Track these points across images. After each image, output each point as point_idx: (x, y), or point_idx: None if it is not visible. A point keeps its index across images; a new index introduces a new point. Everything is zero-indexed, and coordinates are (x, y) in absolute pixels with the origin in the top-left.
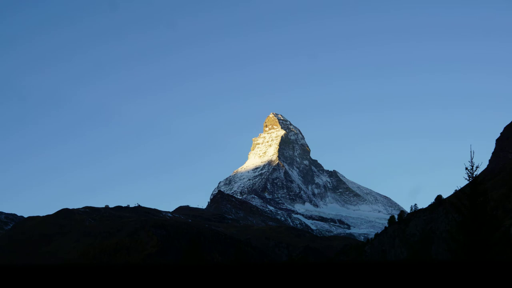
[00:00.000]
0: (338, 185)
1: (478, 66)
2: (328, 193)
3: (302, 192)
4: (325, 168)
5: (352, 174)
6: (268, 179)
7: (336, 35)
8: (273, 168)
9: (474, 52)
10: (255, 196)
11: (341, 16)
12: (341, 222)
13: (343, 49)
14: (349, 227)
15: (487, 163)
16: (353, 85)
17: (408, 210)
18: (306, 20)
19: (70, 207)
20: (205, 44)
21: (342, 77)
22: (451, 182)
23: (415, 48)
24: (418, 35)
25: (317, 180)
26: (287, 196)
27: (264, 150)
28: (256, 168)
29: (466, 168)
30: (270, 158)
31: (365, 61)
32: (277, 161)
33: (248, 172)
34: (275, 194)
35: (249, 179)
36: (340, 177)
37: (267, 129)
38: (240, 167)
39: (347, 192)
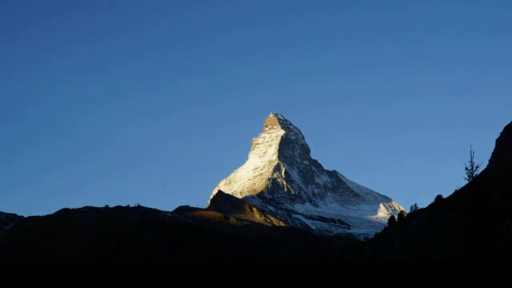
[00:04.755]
0: (338, 185)
1: (478, 66)
2: (328, 193)
3: (302, 192)
4: (325, 168)
5: (352, 174)
6: (268, 179)
7: (336, 35)
8: (273, 168)
9: (474, 53)
10: (255, 196)
11: (341, 17)
12: (341, 222)
13: (343, 49)
14: (349, 227)
15: (487, 163)
16: (353, 86)
17: (408, 210)
18: (306, 20)
19: (70, 207)
20: (206, 45)
21: (342, 77)
22: (451, 182)
23: (415, 47)
24: (417, 34)
25: (317, 180)
26: (287, 196)
27: (264, 150)
28: (256, 168)
29: (466, 168)
30: (270, 158)
31: (365, 61)
32: (277, 161)
33: (248, 172)
34: (275, 194)
35: (249, 179)
36: (340, 177)
37: (267, 129)
38: (240, 167)
39: (347, 192)
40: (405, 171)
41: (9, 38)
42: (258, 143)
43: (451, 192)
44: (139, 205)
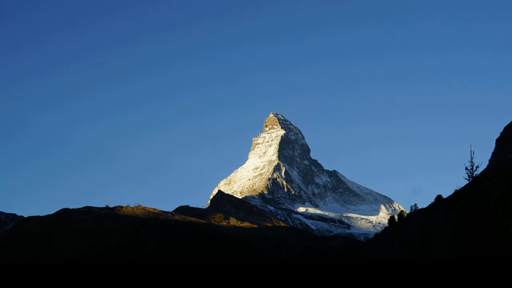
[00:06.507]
0: (338, 185)
1: (477, 66)
2: (328, 193)
3: (302, 192)
4: (325, 168)
5: (352, 174)
6: (268, 179)
7: (336, 40)
8: (273, 168)
9: (473, 53)
10: (255, 196)
11: (342, 26)
12: (341, 222)
13: (344, 50)
14: (349, 227)
15: (487, 163)
16: (353, 86)
17: (408, 210)
18: (308, 26)
19: (70, 207)
20: (207, 46)
21: (342, 78)
22: (451, 182)
23: (415, 52)
24: (416, 43)
25: (317, 180)
26: (287, 196)
27: (264, 150)
28: (256, 168)
29: (466, 168)
30: (270, 158)
31: (365, 64)
32: (277, 161)
33: (248, 172)
34: (275, 194)
35: (249, 179)
36: (340, 177)
37: (267, 129)
38: (240, 167)
39: (347, 192)
40: (405, 171)
41: (13, 51)
42: (258, 143)
43: (451, 192)
44: (139, 205)
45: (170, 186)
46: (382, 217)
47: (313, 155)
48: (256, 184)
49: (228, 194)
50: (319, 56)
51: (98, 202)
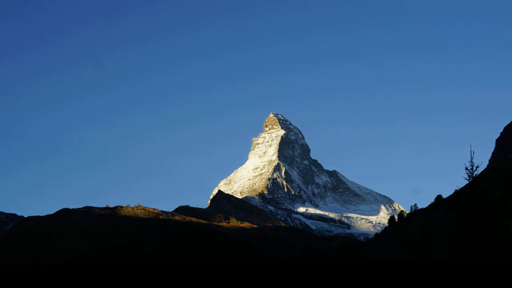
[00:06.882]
0: (338, 185)
1: (478, 66)
2: (328, 193)
3: (302, 192)
4: (325, 168)
5: (352, 174)
6: (268, 179)
7: (336, 41)
8: (273, 168)
9: (473, 53)
10: (255, 196)
11: (342, 28)
12: (341, 222)
13: (344, 51)
14: (349, 227)
15: (487, 163)
16: (353, 87)
17: (408, 210)
18: (308, 28)
19: (70, 207)
20: (208, 47)
21: (343, 78)
22: (451, 182)
23: (415, 53)
24: (416, 44)
25: (317, 180)
26: (287, 196)
27: (264, 150)
28: (256, 168)
29: (466, 168)
30: (270, 158)
31: (365, 65)
32: (277, 161)
33: (248, 172)
34: (275, 194)
35: (249, 179)
36: (340, 177)
37: (267, 129)
38: (240, 167)
39: (347, 192)
40: (405, 171)
41: (14, 53)
42: (258, 143)
43: (451, 192)
44: (139, 205)
45: (170, 186)
46: (382, 217)
47: (313, 155)
48: (256, 184)
49: (228, 194)
50: (319, 57)
51: (98, 202)
